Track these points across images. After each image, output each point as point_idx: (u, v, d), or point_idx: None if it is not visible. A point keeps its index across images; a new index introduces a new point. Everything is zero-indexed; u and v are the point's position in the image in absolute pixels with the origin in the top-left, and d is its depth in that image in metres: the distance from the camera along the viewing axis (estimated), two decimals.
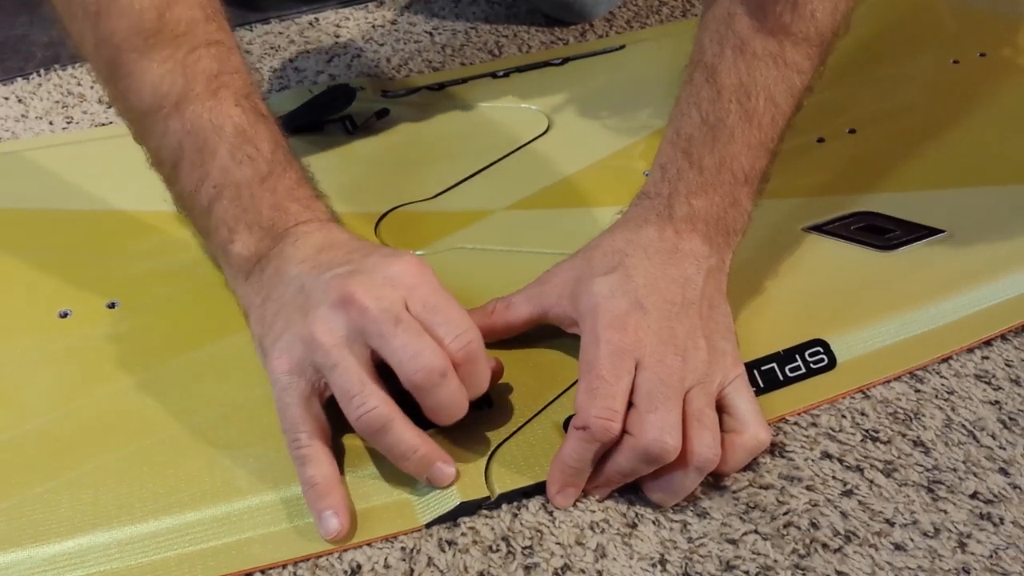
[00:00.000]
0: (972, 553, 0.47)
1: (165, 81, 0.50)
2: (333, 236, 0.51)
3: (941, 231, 0.63)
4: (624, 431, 0.47)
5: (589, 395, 0.47)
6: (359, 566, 0.46)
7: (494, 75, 0.81)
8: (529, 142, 0.73)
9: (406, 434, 0.46)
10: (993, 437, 0.53)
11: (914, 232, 0.63)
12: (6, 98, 0.80)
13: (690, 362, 0.49)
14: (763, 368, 0.54)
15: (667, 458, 0.46)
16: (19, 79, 0.82)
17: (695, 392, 0.48)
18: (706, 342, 0.50)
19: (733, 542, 0.47)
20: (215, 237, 0.52)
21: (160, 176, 0.54)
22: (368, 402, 0.45)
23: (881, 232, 0.63)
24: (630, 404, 0.47)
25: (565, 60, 0.84)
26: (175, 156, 0.51)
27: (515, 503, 0.49)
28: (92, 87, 0.81)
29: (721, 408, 0.50)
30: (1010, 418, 0.54)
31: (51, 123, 0.77)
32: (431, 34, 0.90)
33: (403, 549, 0.47)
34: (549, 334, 0.55)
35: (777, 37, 0.52)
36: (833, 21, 0.53)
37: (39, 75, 0.83)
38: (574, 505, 0.49)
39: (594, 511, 0.49)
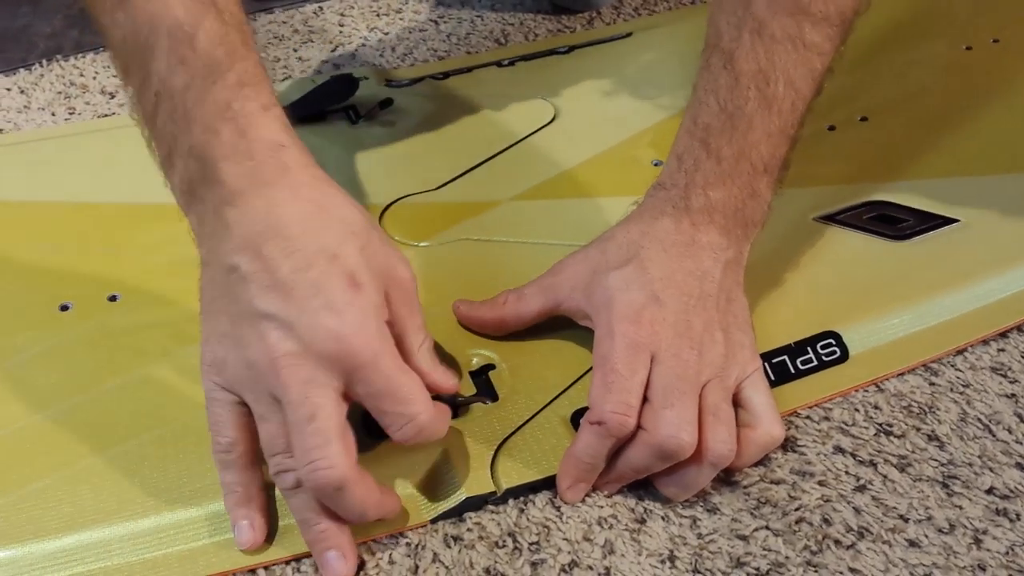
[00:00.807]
0: (988, 550, 0.46)
1: None
2: (275, 210, 0.43)
3: (955, 220, 0.62)
4: (638, 426, 0.46)
5: (604, 389, 0.46)
6: (363, 562, 0.45)
7: (500, 64, 0.80)
8: (535, 131, 0.72)
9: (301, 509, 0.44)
10: (1009, 431, 0.52)
11: (928, 221, 0.62)
12: (8, 89, 0.79)
13: (707, 356, 0.48)
14: (774, 361, 0.53)
15: (683, 455, 0.46)
16: (21, 70, 0.81)
17: (711, 386, 0.48)
18: (723, 335, 0.49)
19: (744, 538, 0.47)
20: (156, 152, 0.46)
21: (117, 74, 0.49)
22: (284, 464, 0.43)
23: (894, 222, 0.62)
24: (645, 398, 0.47)
25: (571, 48, 0.82)
26: (124, 54, 0.45)
27: (522, 498, 0.48)
28: (95, 78, 0.80)
29: (736, 402, 0.49)
30: None
31: (53, 114, 0.76)
32: (436, 22, 0.89)
33: (408, 545, 0.46)
34: (556, 326, 0.54)
35: (796, 18, 0.50)
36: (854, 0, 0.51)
37: (41, 66, 0.82)
38: (582, 500, 0.48)
39: (602, 506, 0.48)
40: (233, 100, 0.44)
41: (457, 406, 0.50)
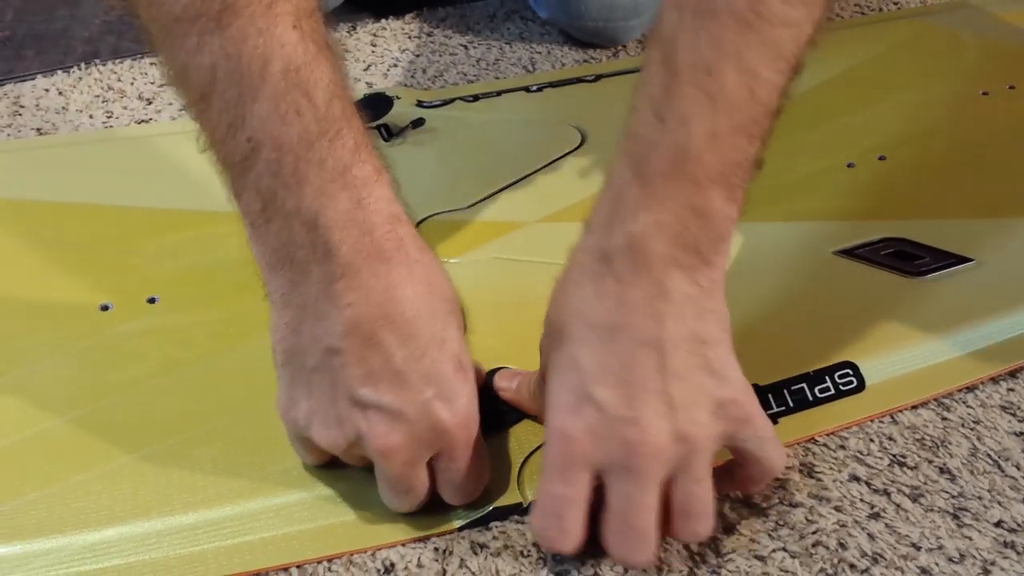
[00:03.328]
0: None
1: None
2: (390, 294, 0.41)
3: (970, 260, 0.64)
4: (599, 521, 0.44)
5: (538, 508, 0.44)
6: (392, 564, 0.47)
7: (528, 89, 0.82)
8: (562, 156, 0.74)
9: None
10: (1018, 467, 0.53)
11: (943, 260, 0.64)
12: (46, 90, 0.81)
13: (662, 456, 0.42)
14: (793, 388, 0.55)
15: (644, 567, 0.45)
16: (59, 72, 0.83)
17: (679, 481, 0.43)
18: (686, 413, 0.42)
19: (761, 559, 0.48)
20: (245, 205, 0.42)
21: (180, 99, 0.43)
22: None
23: (910, 258, 0.64)
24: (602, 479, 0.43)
25: (598, 77, 0.85)
26: (205, 84, 0.39)
27: None
28: (132, 83, 0.82)
29: (732, 452, 0.46)
30: None
31: (91, 116, 0.78)
32: (466, 47, 0.91)
33: (436, 550, 0.48)
34: None
35: None
36: None
37: (79, 69, 0.84)
38: None
39: None
40: (352, 165, 0.40)
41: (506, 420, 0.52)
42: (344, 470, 0.48)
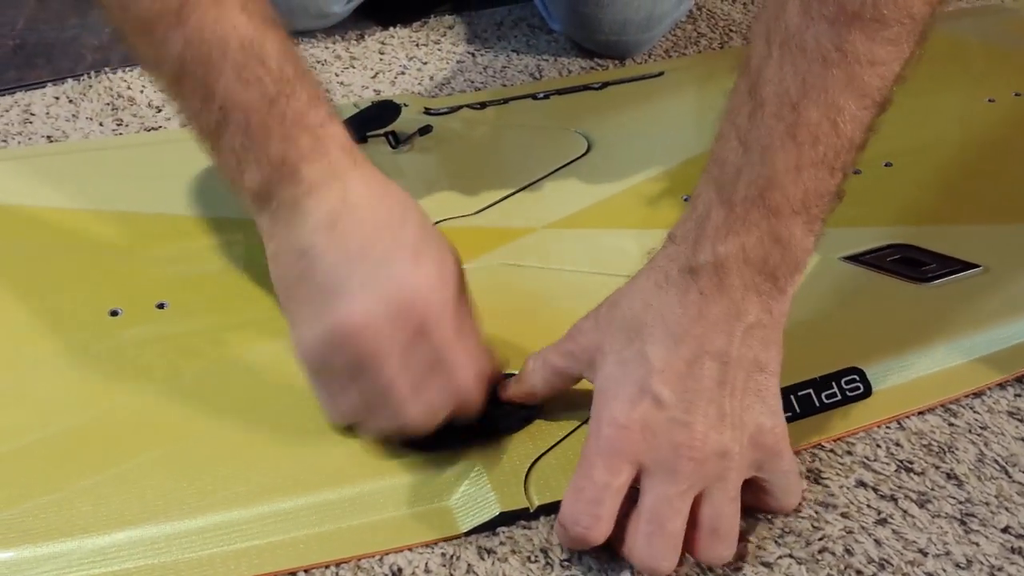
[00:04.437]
0: None
1: None
2: (348, 195, 0.46)
3: (977, 266, 0.64)
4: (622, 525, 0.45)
5: (575, 493, 0.45)
6: (400, 569, 0.47)
7: (535, 96, 0.83)
8: (569, 163, 0.74)
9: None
10: None
11: (950, 266, 0.64)
12: (56, 98, 0.82)
13: (707, 465, 0.44)
14: (800, 393, 0.55)
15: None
16: (70, 80, 0.84)
17: (713, 494, 0.45)
18: (736, 429, 0.44)
19: (768, 565, 0.48)
20: (223, 163, 0.48)
21: (158, 86, 0.51)
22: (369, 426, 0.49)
23: (917, 265, 0.64)
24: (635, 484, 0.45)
25: (605, 84, 0.85)
26: (177, 69, 0.46)
27: (553, 515, 0.50)
28: (142, 91, 0.83)
29: (754, 481, 0.47)
30: None
31: (101, 124, 0.79)
32: (473, 55, 0.91)
33: (443, 555, 0.48)
34: None
35: (836, 26, 0.41)
36: None
37: (89, 77, 0.84)
38: None
39: None
40: (307, 112, 0.47)
41: (532, 416, 0.53)
42: (349, 473, 0.49)
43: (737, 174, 0.44)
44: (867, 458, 0.54)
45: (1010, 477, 0.53)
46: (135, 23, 0.46)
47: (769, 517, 0.50)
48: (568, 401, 0.54)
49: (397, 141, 0.75)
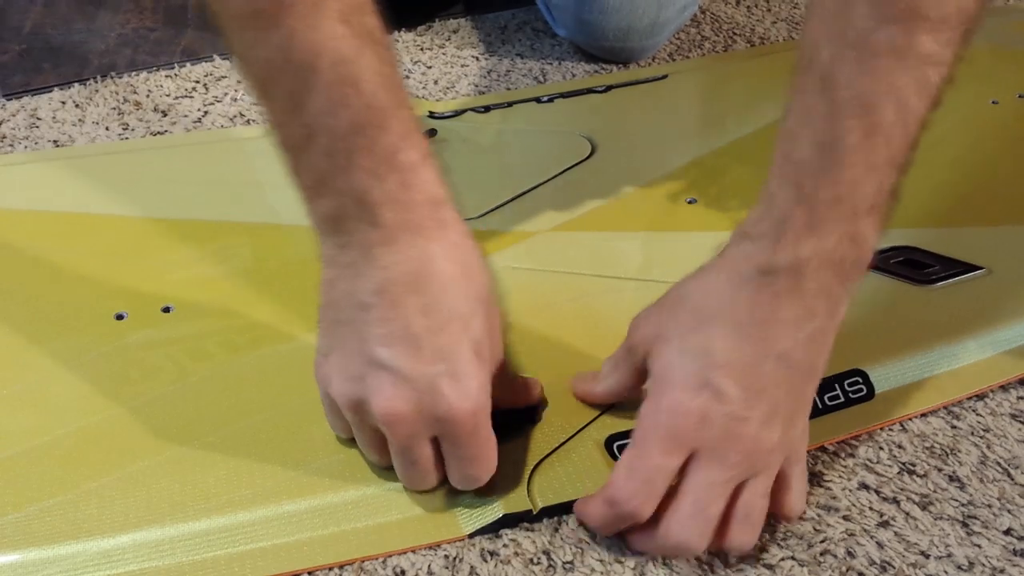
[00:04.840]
0: None
1: None
2: (425, 265, 0.44)
3: (980, 268, 0.64)
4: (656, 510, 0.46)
5: (628, 471, 0.45)
6: (403, 571, 0.47)
7: (539, 100, 0.83)
8: (573, 166, 0.74)
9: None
10: None
11: (953, 268, 0.64)
12: (63, 103, 0.82)
13: (754, 458, 0.45)
14: None
15: (691, 556, 0.47)
16: (76, 84, 0.85)
17: (752, 485, 0.46)
18: (783, 429, 0.46)
19: (770, 567, 0.48)
20: (302, 180, 0.45)
21: (246, 86, 0.47)
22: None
23: (920, 267, 0.64)
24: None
25: (609, 88, 0.85)
26: (264, 75, 0.43)
27: (556, 518, 0.50)
28: (148, 95, 0.83)
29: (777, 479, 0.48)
30: None
31: (107, 128, 0.79)
32: (477, 59, 0.91)
33: (446, 557, 0.48)
34: (593, 351, 0.56)
35: (906, 25, 0.42)
36: None
37: (96, 81, 0.85)
38: None
39: None
40: (399, 151, 0.43)
41: (535, 418, 0.53)
42: (353, 476, 0.49)
43: (816, 175, 0.44)
44: (869, 460, 0.54)
45: (1012, 479, 0.53)
46: (230, 17, 0.42)
47: (771, 519, 0.50)
48: (570, 405, 0.54)
49: None
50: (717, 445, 0.45)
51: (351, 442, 0.50)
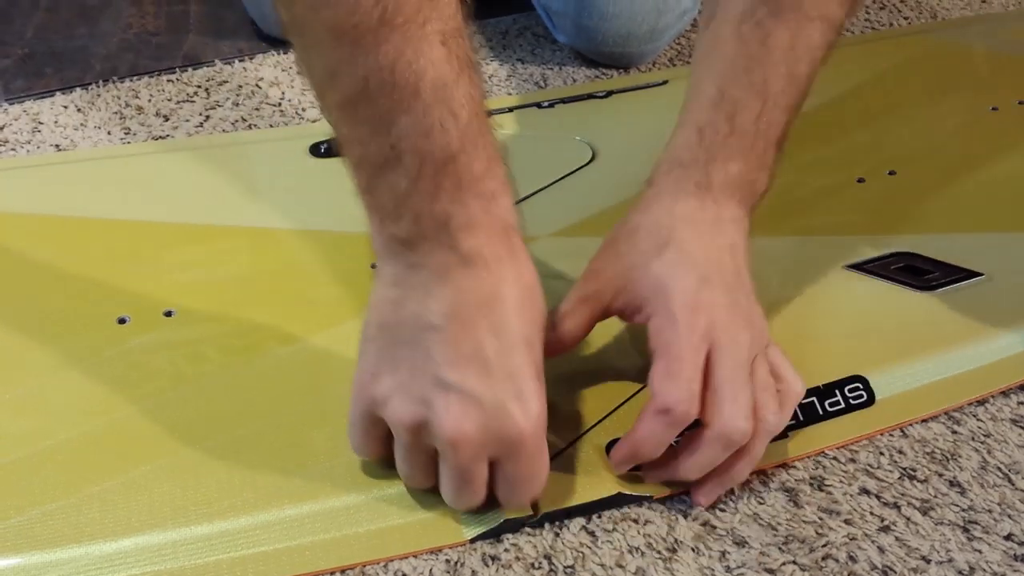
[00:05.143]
0: None
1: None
2: (500, 289, 0.44)
3: (980, 274, 0.64)
4: (698, 419, 0.47)
5: (669, 377, 0.47)
6: None
7: (540, 105, 0.83)
8: (574, 171, 0.75)
9: None
10: None
11: (953, 274, 0.64)
12: (65, 107, 0.82)
13: (754, 333, 0.49)
14: (803, 401, 0.55)
15: (745, 442, 0.48)
16: (78, 89, 0.85)
17: (758, 361, 0.49)
18: (757, 306, 0.51)
19: (771, 572, 0.48)
20: (375, 199, 0.45)
21: (316, 96, 0.45)
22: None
23: (920, 273, 0.65)
24: (704, 385, 0.48)
25: (609, 93, 0.85)
26: (355, 91, 0.42)
27: (557, 523, 0.50)
28: (150, 100, 0.83)
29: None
30: None
31: (109, 133, 0.79)
32: (479, 63, 0.91)
33: (447, 561, 0.48)
34: (593, 358, 0.56)
35: None
36: None
37: (98, 85, 0.85)
38: (614, 528, 0.50)
39: (634, 535, 0.50)
40: (484, 178, 0.44)
41: None
42: (355, 480, 0.49)
43: (747, 109, 0.51)
44: (870, 465, 0.54)
45: (1013, 485, 0.53)
46: (325, 28, 0.41)
47: (773, 524, 0.50)
48: (571, 410, 0.54)
49: None
50: (729, 328, 0.48)
51: (378, 462, 0.50)
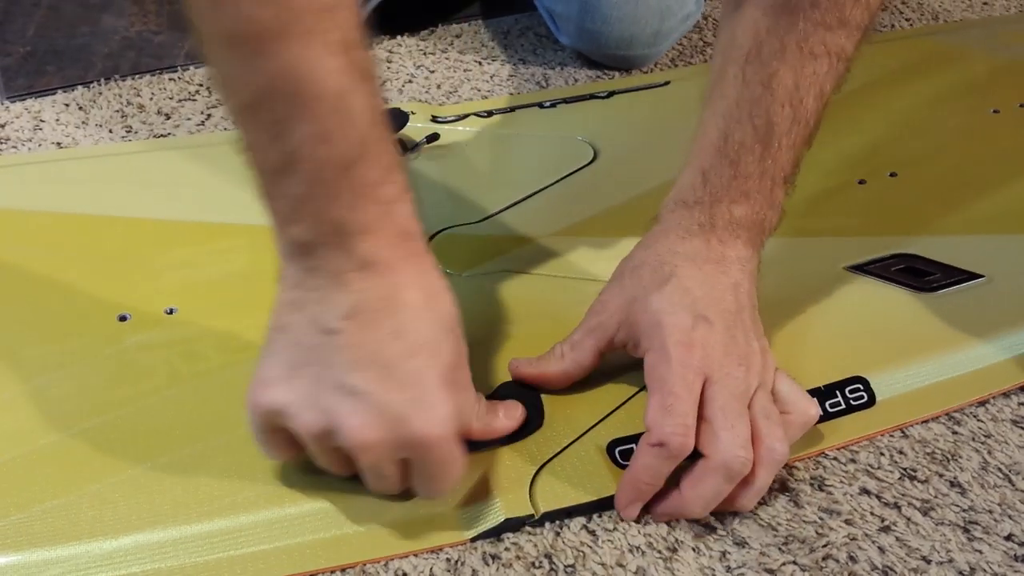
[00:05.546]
0: None
1: (267, 8, 0.39)
2: (397, 292, 0.45)
3: (980, 276, 0.64)
4: (696, 452, 0.48)
5: (663, 412, 0.48)
6: (405, 574, 0.47)
7: (541, 105, 0.83)
8: (575, 171, 0.75)
9: None
10: None
11: (953, 276, 0.64)
12: (67, 105, 0.82)
13: (752, 368, 0.50)
14: None
15: (746, 471, 0.48)
16: (80, 87, 0.85)
17: (759, 395, 0.50)
18: (758, 343, 0.51)
19: (771, 572, 0.48)
20: (274, 204, 0.45)
21: (224, 105, 0.46)
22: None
23: (921, 274, 0.65)
24: (700, 417, 0.48)
25: (611, 93, 0.86)
26: (252, 98, 0.42)
27: (557, 522, 0.50)
28: (152, 98, 0.83)
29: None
30: None
31: (111, 131, 0.79)
32: (480, 64, 0.92)
33: (448, 560, 0.48)
34: None
35: (837, 32, 0.51)
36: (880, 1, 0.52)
37: (99, 84, 0.85)
38: (615, 527, 0.50)
39: (635, 535, 0.50)
40: (382, 184, 0.44)
41: (539, 423, 0.54)
42: (356, 479, 0.49)
43: (751, 152, 0.52)
44: (871, 466, 0.54)
45: (1013, 485, 0.53)
46: (222, 35, 0.41)
47: (774, 524, 0.50)
48: (571, 411, 0.54)
49: (404, 148, 0.75)
50: (723, 363, 0.49)
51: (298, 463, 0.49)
